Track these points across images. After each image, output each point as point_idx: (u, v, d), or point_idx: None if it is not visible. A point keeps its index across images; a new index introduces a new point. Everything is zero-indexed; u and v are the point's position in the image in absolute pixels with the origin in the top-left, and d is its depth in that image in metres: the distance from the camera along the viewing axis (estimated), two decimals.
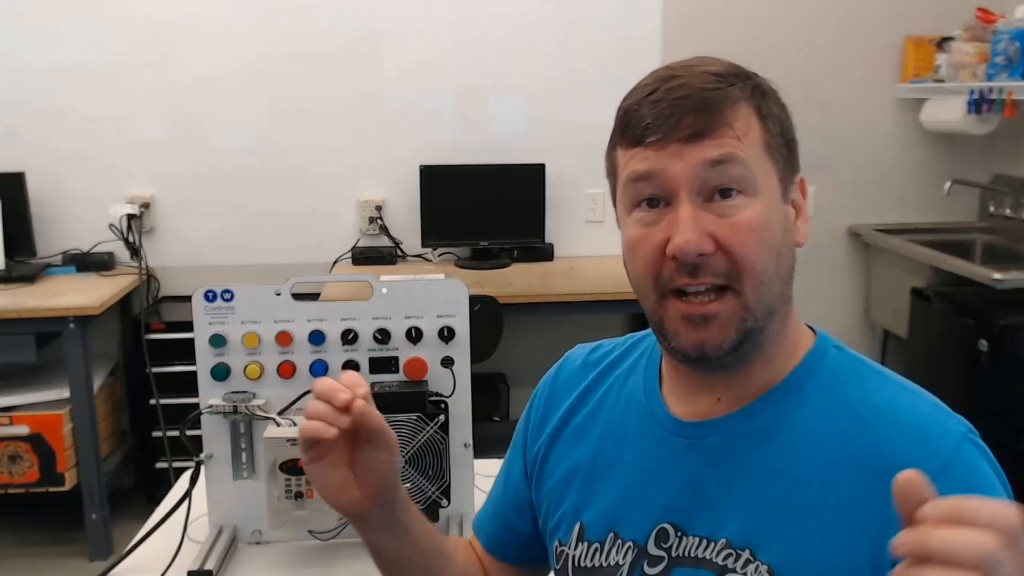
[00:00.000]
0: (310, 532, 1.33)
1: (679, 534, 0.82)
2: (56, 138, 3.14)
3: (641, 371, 0.93)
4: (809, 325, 0.86)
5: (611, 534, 0.87)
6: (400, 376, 1.33)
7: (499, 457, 1.57)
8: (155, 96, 3.17)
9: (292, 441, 1.22)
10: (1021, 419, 2.58)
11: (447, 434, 1.29)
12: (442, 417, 1.29)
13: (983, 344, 2.65)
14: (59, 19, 3.10)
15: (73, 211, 3.17)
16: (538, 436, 0.98)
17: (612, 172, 0.84)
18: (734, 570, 0.77)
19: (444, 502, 1.31)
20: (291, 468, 1.22)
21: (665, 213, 0.77)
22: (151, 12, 3.12)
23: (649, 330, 0.95)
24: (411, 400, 1.29)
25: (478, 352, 1.41)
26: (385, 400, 1.28)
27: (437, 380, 1.33)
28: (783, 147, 0.80)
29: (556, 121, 3.31)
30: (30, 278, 2.98)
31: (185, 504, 1.30)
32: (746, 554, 0.77)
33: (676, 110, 0.75)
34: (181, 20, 3.13)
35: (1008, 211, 3.27)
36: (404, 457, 1.28)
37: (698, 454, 0.83)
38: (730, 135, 0.75)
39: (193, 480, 1.32)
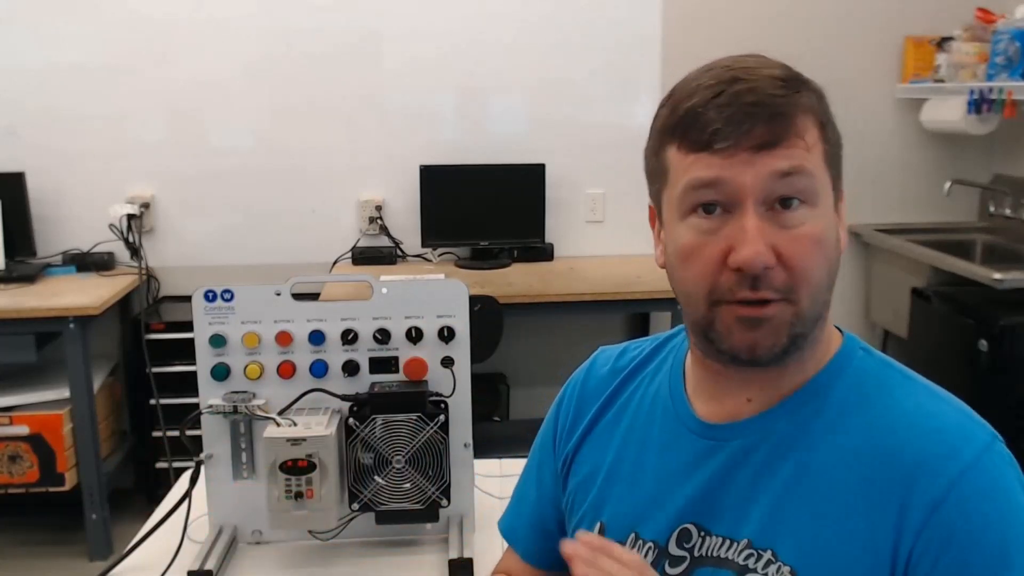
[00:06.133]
0: (310, 532, 1.33)
1: (702, 534, 0.82)
2: (56, 138, 3.14)
3: (667, 372, 0.93)
4: (837, 326, 0.86)
5: (632, 534, 0.87)
6: (400, 376, 1.33)
7: (499, 457, 1.59)
8: (155, 96, 3.17)
9: (292, 441, 1.23)
10: (1021, 419, 2.58)
11: (447, 434, 1.29)
12: (442, 417, 1.29)
13: (983, 344, 2.65)
14: (59, 19, 3.10)
15: (73, 211, 3.17)
16: (567, 441, 0.98)
17: (660, 173, 0.81)
18: (755, 570, 0.77)
19: (444, 502, 1.30)
20: (291, 468, 1.22)
21: (725, 221, 0.75)
22: (151, 12, 3.12)
23: (674, 330, 0.95)
24: (411, 400, 1.29)
25: (478, 352, 1.41)
26: (385, 400, 1.29)
27: (437, 380, 1.33)
28: (836, 156, 0.80)
29: (556, 121, 3.31)
30: (30, 278, 2.98)
31: (185, 504, 1.30)
32: (767, 554, 0.77)
33: (748, 117, 0.73)
34: (181, 20, 3.13)
35: (1008, 211, 3.27)
36: (404, 457, 1.28)
37: (723, 456, 0.83)
38: (800, 146, 0.75)
39: (193, 480, 1.32)
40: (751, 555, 0.78)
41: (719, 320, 0.77)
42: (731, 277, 0.75)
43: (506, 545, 1.09)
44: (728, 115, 0.74)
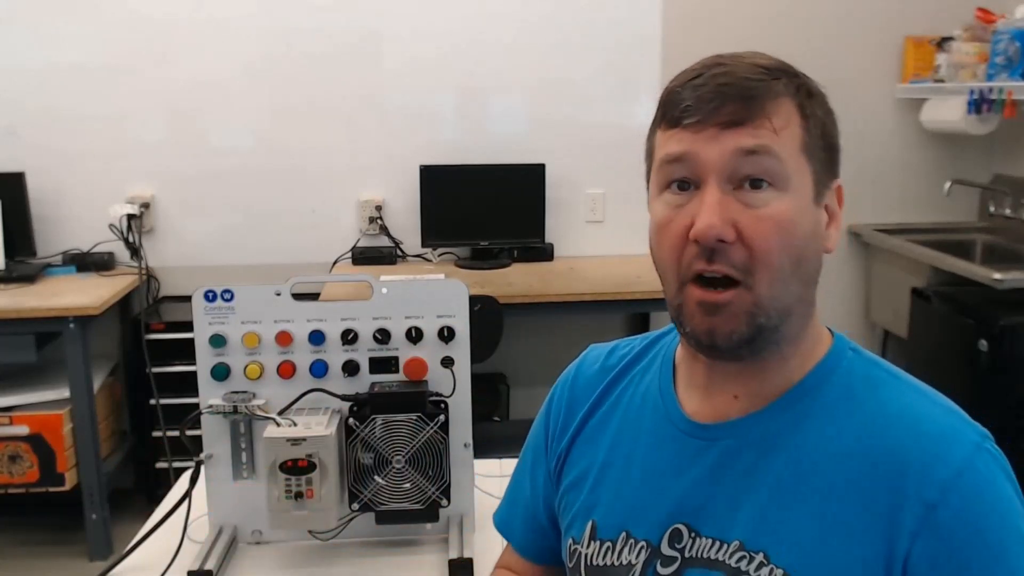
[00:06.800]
0: (310, 532, 1.33)
1: (693, 535, 0.82)
2: (56, 138, 3.14)
3: (656, 370, 0.93)
4: (828, 328, 0.86)
5: (623, 533, 0.87)
6: (400, 376, 1.33)
7: (499, 457, 1.59)
8: (155, 96, 3.17)
9: (292, 441, 1.23)
10: (1021, 419, 2.58)
11: (447, 434, 1.29)
12: (442, 417, 1.29)
13: (983, 344, 2.65)
14: (59, 19, 3.10)
15: (73, 211, 3.17)
16: (560, 440, 0.99)
17: (649, 154, 0.84)
18: (747, 572, 0.77)
19: (444, 502, 1.30)
20: (291, 468, 1.22)
21: (694, 196, 0.77)
22: (151, 12, 3.12)
23: (667, 328, 0.95)
24: (411, 400, 1.29)
25: (478, 352, 1.41)
26: (385, 400, 1.29)
27: (437, 380, 1.33)
28: (822, 150, 0.80)
29: (556, 121, 3.31)
30: (30, 278, 2.98)
31: (185, 504, 1.30)
32: (760, 556, 0.77)
33: (716, 95, 0.76)
34: (181, 20, 3.13)
35: (1008, 211, 3.27)
36: (404, 457, 1.28)
37: (713, 456, 0.83)
38: (767, 127, 0.76)
39: (193, 480, 1.32)
40: (743, 557, 0.78)
41: (685, 303, 0.79)
42: (693, 251, 0.77)
43: (505, 543, 1.10)
44: (700, 94, 0.76)
